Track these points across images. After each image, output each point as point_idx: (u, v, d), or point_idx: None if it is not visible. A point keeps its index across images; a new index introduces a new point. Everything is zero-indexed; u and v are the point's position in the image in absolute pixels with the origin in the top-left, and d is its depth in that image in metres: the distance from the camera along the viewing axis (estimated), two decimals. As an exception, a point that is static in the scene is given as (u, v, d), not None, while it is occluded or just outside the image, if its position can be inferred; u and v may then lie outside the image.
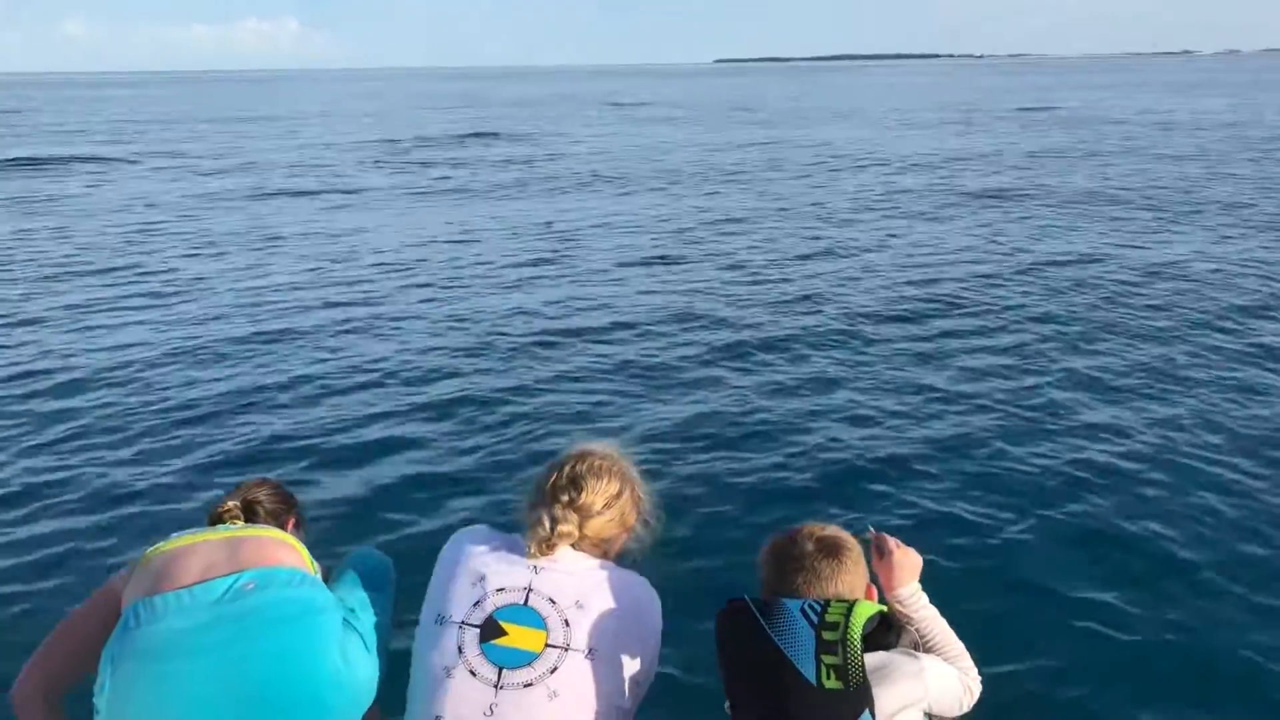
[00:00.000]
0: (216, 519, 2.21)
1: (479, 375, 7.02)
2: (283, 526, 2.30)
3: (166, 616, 1.85)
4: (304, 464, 5.50)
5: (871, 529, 2.29)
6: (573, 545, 2.02)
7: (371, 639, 2.01)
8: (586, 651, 1.91)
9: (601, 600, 1.95)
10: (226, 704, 1.80)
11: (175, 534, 2.07)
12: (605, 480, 2.08)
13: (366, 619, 2.05)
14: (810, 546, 2.00)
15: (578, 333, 8.07)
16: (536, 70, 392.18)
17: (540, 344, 7.74)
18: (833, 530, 2.06)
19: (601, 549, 2.10)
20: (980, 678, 2.11)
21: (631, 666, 1.98)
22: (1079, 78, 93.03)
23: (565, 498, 2.03)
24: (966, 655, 2.14)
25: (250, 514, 2.24)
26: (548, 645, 1.90)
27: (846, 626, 1.82)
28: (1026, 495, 4.86)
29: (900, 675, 1.87)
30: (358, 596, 2.10)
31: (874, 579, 2.14)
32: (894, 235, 12.34)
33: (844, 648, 1.80)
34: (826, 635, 1.82)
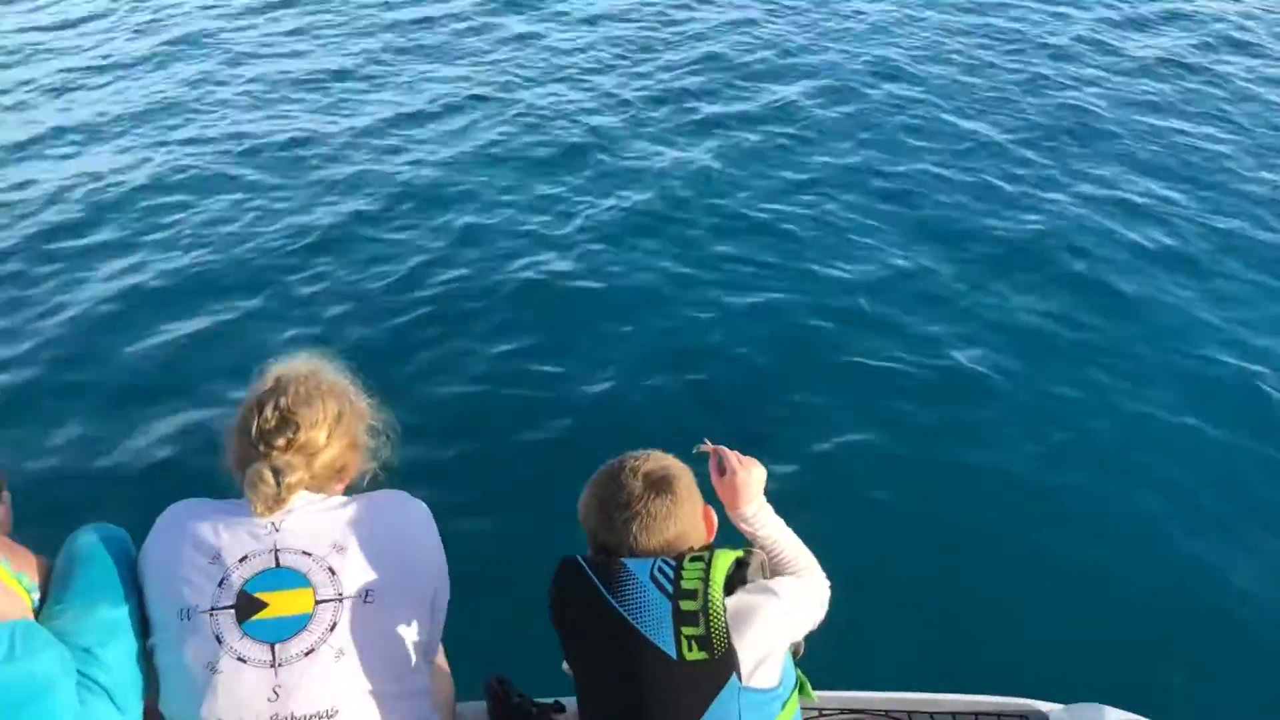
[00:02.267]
0: None
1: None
2: None
3: None
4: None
5: (707, 442, 2.08)
6: (305, 488, 1.77)
7: (119, 687, 1.68)
8: (363, 595, 1.70)
9: (363, 534, 1.75)
10: None
11: None
12: (320, 404, 1.79)
13: (111, 655, 1.68)
14: (639, 486, 1.77)
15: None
16: None
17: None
18: (656, 459, 1.84)
19: (339, 479, 1.86)
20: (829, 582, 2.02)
21: (419, 595, 1.82)
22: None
23: (281, 441, 1.74)
24: (816, 563, 2.04)
25: None
26: (318, 602, 1.68)
27: (706, 592, 1.64)
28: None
29: (758, 623, 1.72)
30: (94, 621, 1.70)
31: (709, 498, 1.96)
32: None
33: (706, 616, 1.63)
34: (685, 605, 1.63)
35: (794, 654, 1.89)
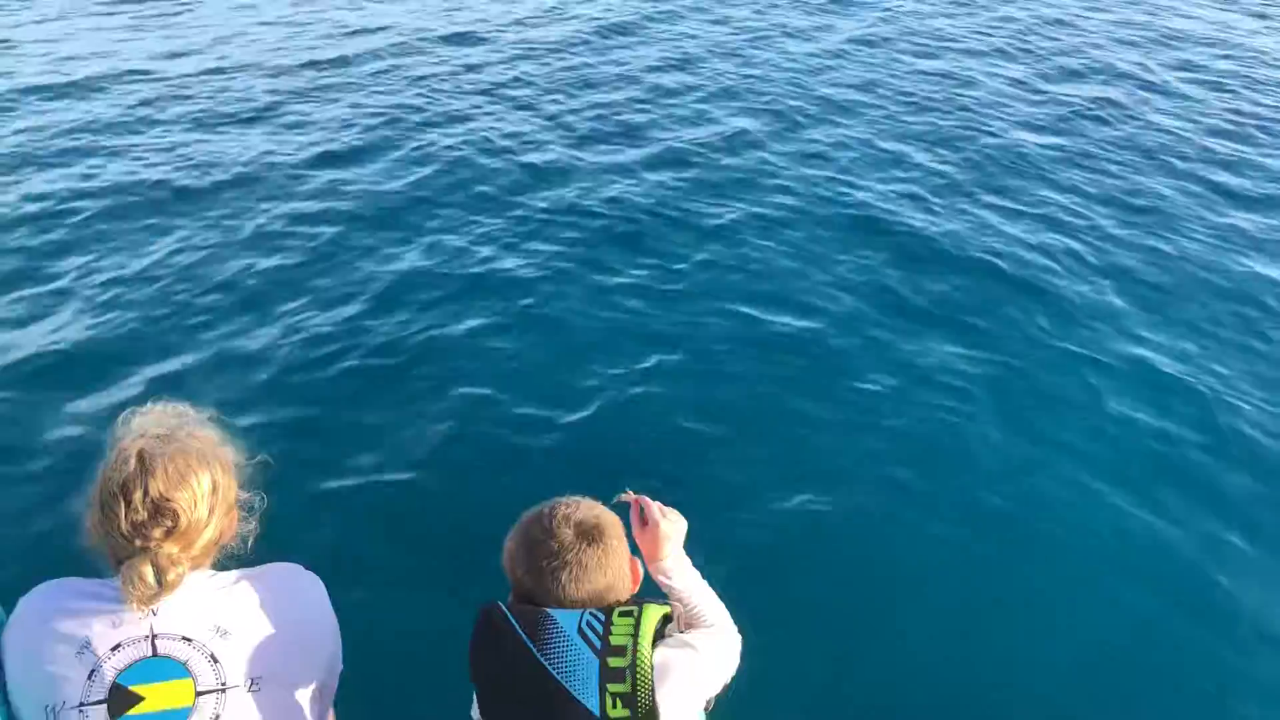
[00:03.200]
0: None
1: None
2: None
3: None
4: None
5: (630, 492, 2.05)
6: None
7: None
8: (249, 683, 1.57)
9: (250, 615, 1.61)
10: None
11: None
12: (193, 480, 1.58)
13: None
14: (569, 535, 1.74)
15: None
16: None
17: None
18: (587, 508, 1.81)
19: (215, 550, 1.68)
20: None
21: (310, 677, 1.69)
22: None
23: (158, 531, 1.54)
24: (728, 617, 2.03)
25: None
26: (199, 694, 1.53)
27: (635, 650, 1.61)
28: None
29: (675, 678, 1.71)
30: None
31: (633, 548, 1.94)
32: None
33: (633, 674, 1.60)
34: (613, 661, 1.60)
35: (705, 708, 1.90)
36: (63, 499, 3.23)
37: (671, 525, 1.97)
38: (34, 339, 4.96)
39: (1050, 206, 7.01)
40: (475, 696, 1.74)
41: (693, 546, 2.05)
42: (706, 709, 1.90)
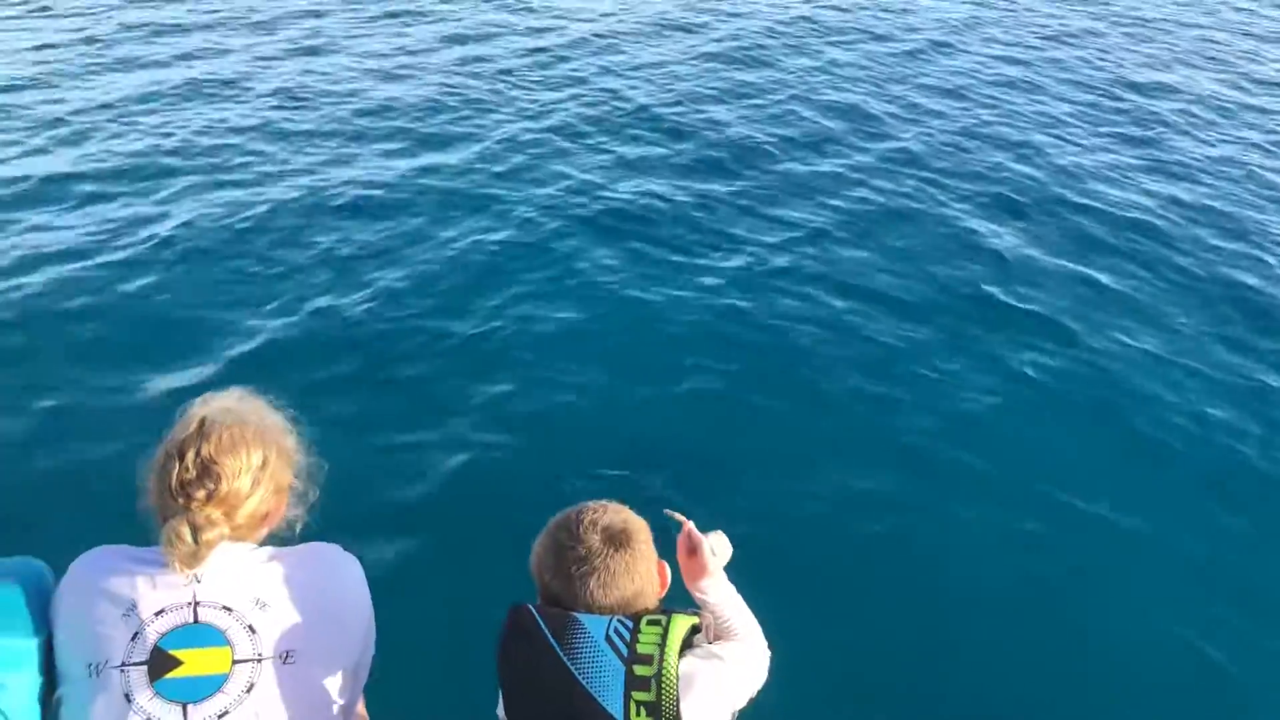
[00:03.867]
0: None
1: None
2: None
3: None
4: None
5: (679, 517, 2.04)
6: (226, 540, 1.67)
7: (21, 715, 1.60)
8: (283, 656, 1.62)
9: (288, 591, 1.66)
10: None
11: None
12: (244, 451, 1.67)
13: (14, 683, 1.60)
14: (597, 541, 1.73)
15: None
16: None
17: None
18: (614, 512, 1.80)
19: (263, 525, 1.75)
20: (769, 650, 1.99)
21: (343, 656, 1.73)
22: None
23: (201, 493, 1.62)
24: (758, 628, 2.02)
25: None
26: (235, 662, 1.59)
27: (661, 659, 1.61)
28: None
29: (701, 688, 1.70)
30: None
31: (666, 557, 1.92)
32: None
33: (659, 683, 1.59)
34: (639, 670, 1.60)
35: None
36: (124, 470, 3.37)
37: (716, 558, 1.96)
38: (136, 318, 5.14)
39: (1137, 212, 6.90)
40: (500, 696, 1.75)
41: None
42: None
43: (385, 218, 6.31)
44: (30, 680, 1.62)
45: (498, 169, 7.08)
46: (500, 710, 1.77)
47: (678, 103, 8.57)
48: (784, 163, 7.46)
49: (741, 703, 1.86)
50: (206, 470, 1.63)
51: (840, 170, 7.37)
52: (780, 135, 7.97)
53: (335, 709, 1.70)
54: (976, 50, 10.54)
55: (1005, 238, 6.48)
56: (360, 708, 1.99)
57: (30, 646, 1.63)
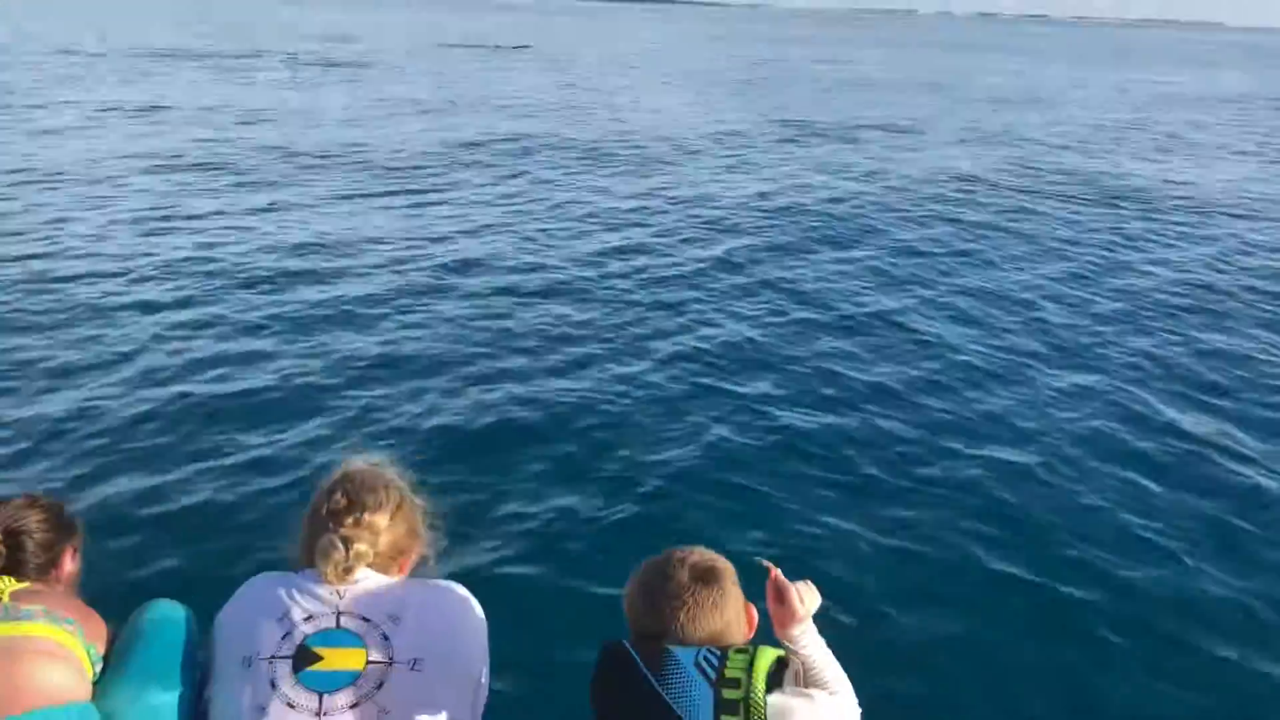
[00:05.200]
0: None
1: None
2: (56, 561, 1.99)
3: None
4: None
5: (767, 564, 2.10)
6: (368, 565, 1.93)
7: None
8: (411, 664, 1.81)
9: (418, 611, 1.89)
10: None
11: None
12: (382, 493, 1.99)
13: None
14: (686, 577, 1.84)
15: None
16: None
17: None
18: (701, 553, 1.92)
19: (398, 563, 2.01)
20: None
21: (462, 673, 1.90)
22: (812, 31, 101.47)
23: (350, 519, 1.92)
24: (848, 685, 2.05)
25: (15, 549, 1.91)
26: (369, 662, 1.80)
27: (749, 682, 1.69)
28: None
29: None
30: (142, 706, 1.77)
31: (753, 601, 2.01)
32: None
33: (747, 707, 1.67)
34: (727, 694, 1.68)
35: None
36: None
37: (805, 606, 2.00)
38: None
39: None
40: None
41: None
42: None
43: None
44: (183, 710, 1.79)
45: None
46: None
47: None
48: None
49: None
50: (352, 503, 1.93)
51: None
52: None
53: (454, 718, 1.85)
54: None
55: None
56: None
57: (170, 700, 1.80)
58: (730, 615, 1.84)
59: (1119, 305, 8.37)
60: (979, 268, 9.51)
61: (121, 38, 34.69)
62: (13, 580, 1.86)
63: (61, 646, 1.76)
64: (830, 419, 5.75)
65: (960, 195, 13.26)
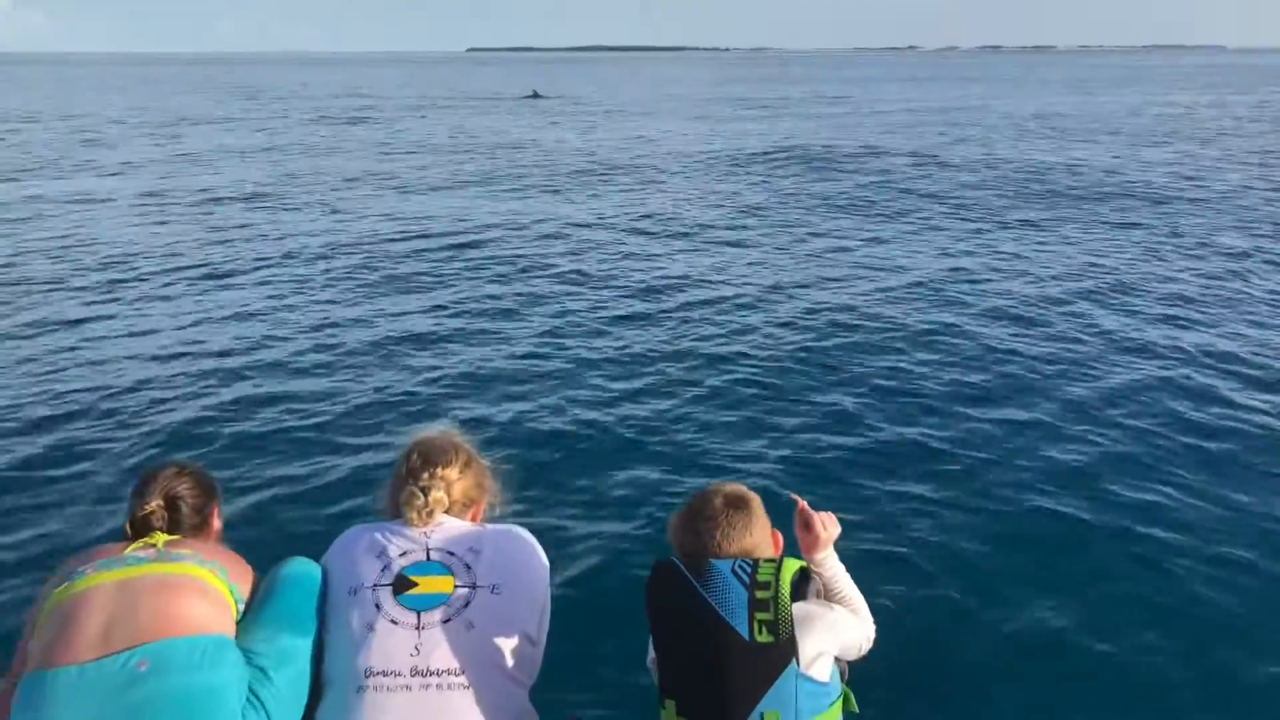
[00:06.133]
0: (140, 524, 2.17)
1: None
2: (206, 520, 2.30)
3: (55, 702, 1.82)
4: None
5: (795, 496, 2.52)
6: (445, 511, 2.28)
7: (280, 709, 2.00)
8: (491, 588, 2.16)
9: (493, 547, 2.23)
10: None
11: (80, 571, 2.02)
12: (452, 453, 2.36)
13: (281, 680, 2.02)
14: (720, 502, 2.20)
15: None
16: (271, 57, 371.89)
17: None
18: (734, 486, 2.28)
19: (470, 511, 2.37)
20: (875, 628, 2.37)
21: (532, 598, 2.24)
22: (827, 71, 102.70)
23: (426, 474, 2.29)
24: (866, 607, 2.41)
25: (174, 512, 2.22)
26: (457, 587, 2.14)
27: (777, 585, 2.02)
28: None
29: (818, 625, 2.09)
30: (276, 645, 2.06)
31: (784, 534, 2.37)
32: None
33: (775, 604, 2.00)
34: (759, 594, 2.01)
35: (840, 675, 2.21)
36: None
37: (826, 530, 2.41)
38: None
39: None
40: (650, 640, 2.15)
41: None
42: (842, 677, 2.21)
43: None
44: (298, 673, 2.07)
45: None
46: (650, 653, 2.17)
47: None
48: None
49: (847, 651, 2.22)
50: (427, 461, 2.31)
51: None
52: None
53: (526, 635, 2.19)
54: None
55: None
56: None
57: (303, 644, 2.11)
58: (759, 536, 2.19)
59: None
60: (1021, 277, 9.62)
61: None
62: (166, 535, 2.18)
63: (208, 584, 2.06)
64: (899, 429, 5.86)
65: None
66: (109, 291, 9.30)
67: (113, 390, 6.49)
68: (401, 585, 2.13)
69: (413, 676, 2.03)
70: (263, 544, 3.80)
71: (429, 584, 2.14)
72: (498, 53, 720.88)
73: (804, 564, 2.15)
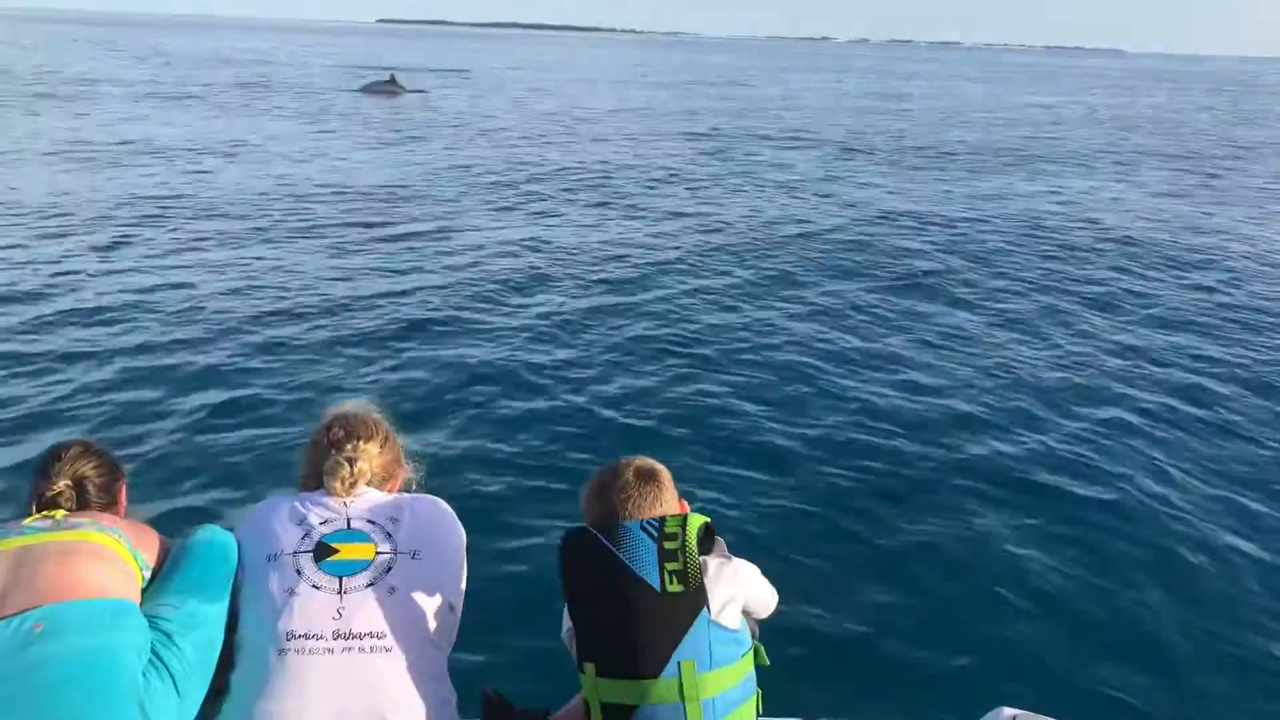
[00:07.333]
0: (47, 505, 2.13)
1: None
2: (114, 499, 2.25)
3: None
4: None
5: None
6: (365, 483, 2.31)
7: (186, 674, 1.97)
8: (411, 554, 2.19)
9: (412, 514, 2.26)
10: None
11: None
12: (373, 426, 2.41)
13: (187, 645, 1.99)
14: (631, 475, 2.26)
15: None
16: (176, 20, 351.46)
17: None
18: (643, 460, 2.34)
19: (387, 485, 2.41)
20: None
21: (451, 564, 2.29)
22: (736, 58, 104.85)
23: (349, 445, 2.32)
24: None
25: (82, 493, 2.18)
26: (378, 553, 2.18)
27: (684, 536, 2.11)
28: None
29: (725, 573, 2.17)
30: (184, 612, 2.03)
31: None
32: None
33: (683, 554, 2.09)
34: (667, 545, 2.10)
35: (751, 634, 2.29)
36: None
37: None
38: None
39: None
40: (565, 610, 2.22)
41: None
42: (754, 635, 2.30)
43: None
44: (206, 639, 2.02)
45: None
46: (565, 624, 2.24)
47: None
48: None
49: (758, 608, 2.32)
50: (348, 434, 2.34)
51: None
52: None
53: (447, 602, 2.25)
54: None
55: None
56: None
57: (211, 611, 2.08)
58: (667, 507, 2.26)
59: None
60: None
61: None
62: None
63: (110, 550, 2.02)
64: (914, 431, 6.22)
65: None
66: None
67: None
68: (322, 552, 2.15)
69: (335, 640, 2.05)
70: (174, 518, 3.76)
71: (350, 550, 2.16)
72: (410, 25, 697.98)
73: (707, 520, 2.22)
